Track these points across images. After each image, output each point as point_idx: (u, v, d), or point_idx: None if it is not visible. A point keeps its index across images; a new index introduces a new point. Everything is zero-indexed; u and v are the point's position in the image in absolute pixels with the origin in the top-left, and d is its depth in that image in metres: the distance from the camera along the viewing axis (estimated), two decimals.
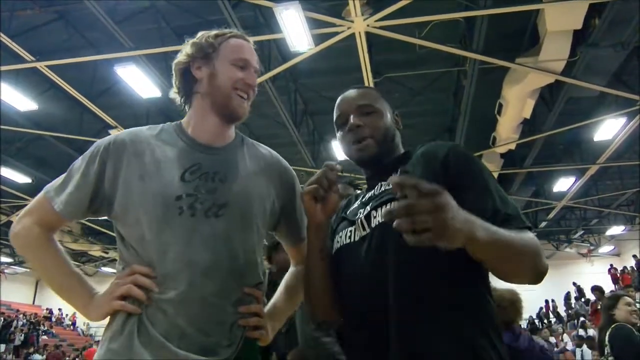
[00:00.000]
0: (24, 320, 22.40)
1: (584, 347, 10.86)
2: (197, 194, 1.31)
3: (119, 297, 1.26)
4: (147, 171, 1.33)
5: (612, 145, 10.56)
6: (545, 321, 20.29)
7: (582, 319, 14.97)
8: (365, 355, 1.21)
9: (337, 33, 7.02)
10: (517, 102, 8.56)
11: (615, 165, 12.53)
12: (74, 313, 24.46)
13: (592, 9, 6.57)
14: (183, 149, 1.39)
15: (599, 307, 10.43)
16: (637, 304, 3.94)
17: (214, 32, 1.47)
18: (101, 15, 7.02)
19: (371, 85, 7.73)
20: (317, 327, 2.35)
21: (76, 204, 1.36)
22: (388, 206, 1.21)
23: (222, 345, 1.25)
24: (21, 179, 12.31)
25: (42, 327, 23.51)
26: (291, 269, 1.62)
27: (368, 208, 1.30)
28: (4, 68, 7.89)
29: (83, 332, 26.47)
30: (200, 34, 1.48)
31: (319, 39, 7.07)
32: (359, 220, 1.30)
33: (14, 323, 20.79)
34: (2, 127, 9.83)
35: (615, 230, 19.21)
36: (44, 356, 19.04)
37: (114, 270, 1.55)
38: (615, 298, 3.95)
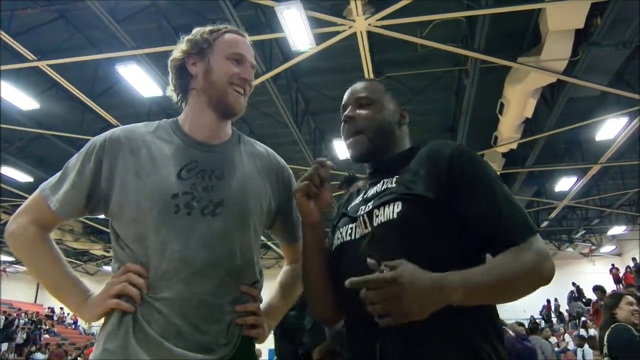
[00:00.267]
0: (26, 319, 22.45)
1: (586, 346, 10.85)
2: (193, 192, 1.30)
3: (113, 295, 1.25)
4: (143, 168, 1.31)
5: (613, 145, 10.55)
6: (547, 321, 20.26)
7: (583, 318, 14.96)
8: (364, 355, 1.21)
9: (338, 32, 7.02)
10: (518, 101, 8.55)
11: (617, 165, 12.51)
12: None
13: (594, 8, 6.56)
14: (179, 146, 1.38)
15: (599, 307, 10.41)
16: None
17: (208, 28, 1.46)
18: (102, 14, 7.01)
19: None
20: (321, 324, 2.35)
21: (72, 203, 1.34)
22: (390, 206, 1.21)
23: (220, 343, 1.24)
24: (22, 177, 12.33)
25: (43, 326, 23.56)
26: (285, 267, 1.62)
27: (370, 205, 1.28)
28: (5, 67, 7.90)
29: (85, 331, 26.49)
30: (195, 30, 1.46)
31: (320, 38, 7.07)
32: (361, 217, 1.29)
33: (16, 322, 20.83)
34: (4, 126, 9.86)
35: (617, 230, 19.18)
36: (47, 355, 19.07)
37: None
38: (617, 297, 3.92)
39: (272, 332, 2.68)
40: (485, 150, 10.61)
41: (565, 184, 13.27)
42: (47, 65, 7.89)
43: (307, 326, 2.67)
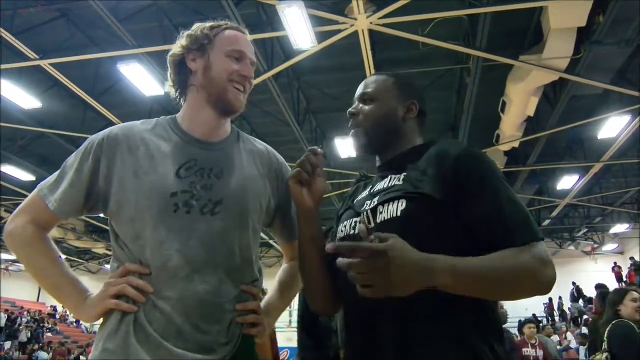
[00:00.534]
0: (28, 317, 22.51)
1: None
2: (192, 191, 1.29)
3: (112, 296, 1.24)
4: (141, 167, 1.30)
5: (615, 143, 10.53)
6: (549, 319, 20.25)
7: (585, 316, 14.94)
8: (359, 352, 1.21)
9: (340, 30, 7.02)
10: (520, 99, 8.53)
11: (619, 163, 12.50)
12: None
13: (596, 6, 6.54)
14: (178, 143, 1.37)
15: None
16: None
17: (209, 23, 1.44)
18: (104, 13, 7.02)
19: None
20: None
21: (70, 202, 1.33)
22: (394, 204, 1.21)
23: (220, 343, 1.24)
24: (24, 176, 12.37)
25: (46, 324, 23.61)
26: (284, 265, 1.61)
27: (375, 201, 1.28)
28: (7, 66, 7.92)
29: (87, 329, 26.53)
30: (195, 25, 1.45)
31: (321, 36, 7.06)
32: (364, 213, 1.29)
33: (18, 320, 20.89)
34: (6, 124, 9.88)
35: (619, 228, 19.15)
36: (50, 354, 19.11)
37: None
38: (621, 293, 3.86)
39: (297, 331, 2.67)
40: (487, 149, 10.59)
41: (567, 182, 13.26)
42: (49, 64, 7.90)
43: (335, 327, 2.65)
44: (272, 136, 10.73)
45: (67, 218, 1.40)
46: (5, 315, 20.20)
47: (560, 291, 19.75)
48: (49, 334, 22.68)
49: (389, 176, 1.33)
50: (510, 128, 9.64)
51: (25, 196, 1.42)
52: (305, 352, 2.74)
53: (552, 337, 11.08)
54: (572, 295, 19.51)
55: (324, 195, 1.37)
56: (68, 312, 26.45)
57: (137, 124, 1.42)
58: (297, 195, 1.32)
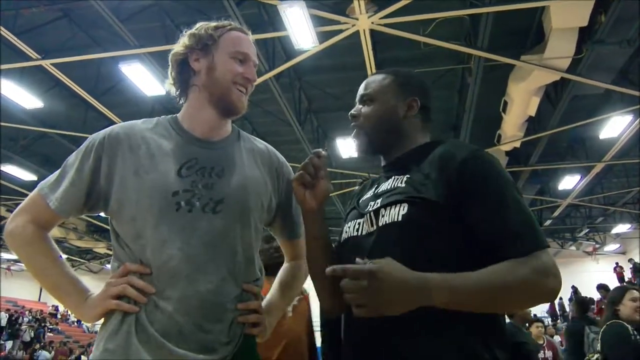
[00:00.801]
0: (30, 317, 22.53)
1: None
2: (194, 190, 1.28)
3: (113, 296, 1.23)
4: (142, 166, 1.30)
5: (617, 143, 10.51)
6: (552, 319, 20.21)
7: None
8: (359, 352, 1.21)
9: (341, 30, 7.01)
10: (522, 99, 8.52)
11: (621, 163, 12.47)
12: None
13: (598, 6, 6.53)
14: (179, 142, 1.36)
15: (603, 305, 10.37)
16: None
17: (213, 23, 1.44)
18: (106, 13, 7.03)
19: None
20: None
21: (71, 201, 1.33)
22: (396, 207, 1.20)
23: (222, 342, 1.24)
24: (26, 176, 12.38)
25: (47, 324, 23.63)
26: (285, 265, 1.62)
27: (379, 203, 1.28)
28: (9, 66, 7.93)
29: (88, 329, 26.55)
30: (198, 25, 1.44)
31: (323, 36, 7.06)
32: (368, 215, 1.29)
33: (20, 319, 20.91)
34: (8, 124, 9.89)
35: (621, 228, 19.11)
36: (52, 354, 19.13)
37: None
38: (621, 290, 3.70)
39: (320, 332, 2.65)
40: (489, 149, 10.57)
41: (569, 182, 13.24)
42: (51, 64, 7.91)
43: None
44: (274, 136, 10.74)
45: (68, 217, 1.40)
46: (7, 315, 20.21)
47: (563, 292, 19.68)
48: (50, 334, 22.70)
49: (393, 177, 1.32)
50: (512, 128, 9.62)
51: (27, 196, 1.41)
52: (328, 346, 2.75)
53: (554, 338, 11.05)
54: (570, 300, 19.47)
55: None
56: (69, 312, 26.52)
57: (138, 123, 1.42)
58: (301, 197, 1.32)
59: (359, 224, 1.32)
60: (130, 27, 7.44)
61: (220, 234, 1.28)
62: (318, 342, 2.60)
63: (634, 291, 3.60)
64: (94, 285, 1.28)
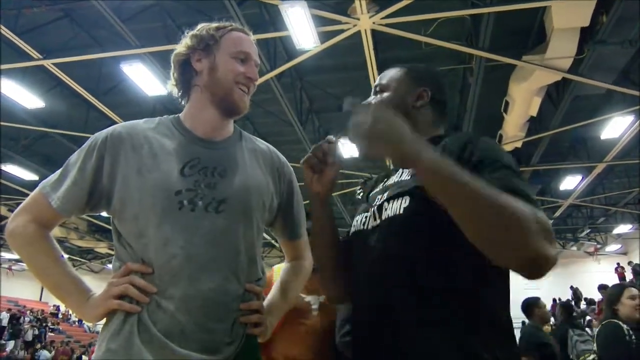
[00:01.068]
0: (31, 317, 22.56)
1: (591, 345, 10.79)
2: (197, 189, 1.29)
3: (115, 296, 1.23)
4: (145, 165, 1.30)
5: (619, 144, 10.49)
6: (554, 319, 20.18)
7: (588, 317, 14.89)
8: (362, 345, 1.22)
9: (342, 30, 7.01)
10: (523, 99, 8.51)
11: (622, 164, 12.45)
12: None
13: (600, 6, 6.51)
14: (181, 142, 1.37)
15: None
16: None
17: (214, 24, 1.44)
18: (107, 13, 7.03)
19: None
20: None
21: (74, 200, 1.33)
22: (398, 200, 1.20)
23: (224, 342, 1.24)
24: (27, 175, 12.40)
25: (48, 324, 23.66)
26: (286, 265, 1.62)
27: (385, 196, 1.28)
28: (11, 66, 7.95)
29: (89, 329, 26.60)
30: (200, 25, 1.45)
31: (324, 36, 7.06)
32: (373, 209, 1.30)
33: (21, 319, 20.93)
34: (9, 124, 9.91)
35: (622, 228, 19.08)
36: (52, 353, 19.15)
37: None
38: (619, 288, 3.55)
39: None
40: None
41: (570, 182, 13.22)
42: (52, 63, 7.91)
43: None
44: (275, 136, 10.74)
45: (70, 216, 1.39)
46: (8, 314, 20.24)
47: (564, 292, 19.70)
48: (51, 334, 22.72)
49: (400, 170, 1.34)
50: (513, 128, 9.61)
51: (28, 196, 1.41)
52: None
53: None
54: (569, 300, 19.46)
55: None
56: (71, 312, 26.53)
57: (140, 122, 1.42)
58: (307, 180, 1.33)
59: (365, 217, 1.32)
60: (131, 27, 7.44)
61: (223, 233, 1.28)
62: None
63: (632, 289, 3.47)
64: (95, 285, 1.28)
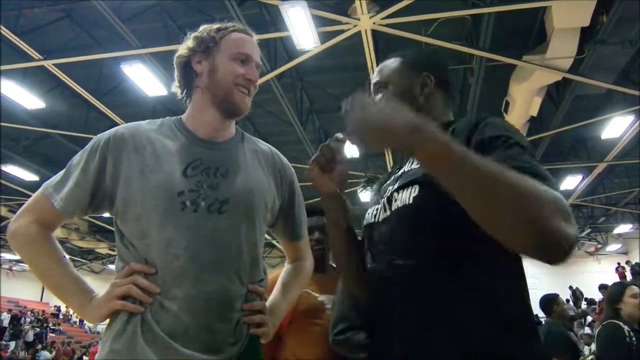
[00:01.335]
0: (32, 317, 22.57)
1: (593, 345, 10.80)
2: (199, 190, 1.29)
3: (118, 297, 1.23)
4: (147, 166, 1.30)
5: (619, 143, 10.50)
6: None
7: (589, 318, 14.89)
8: (373, 339, 1.23)
9: (343, 31, 7.01)
10: (523, 99, 8.51)
11: (623, 163, 12.45)
12: None
13: (600, 6, 6.52)
14: (184, 143, 1.37)
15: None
16: None
17: (216, 25, 1.44)
18: (107, 13, 7.04)
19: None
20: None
21: (76, 201, 1.33)
22: (407, 190, 1.18)
23: (228, 343, 1.24)
24: (28, 176, 12.40)
25: (49, 325, 23.67)
26: (287, 266, 1.62)
27: (395, 186, 1.25)
28: (11, 66, 7.95)
29: (90, 330, 26.60)
30: (202, 27, 1.45)
31: (325, 36, 7.06)
32: (384, 200, 1.28)
33: (22, 320, 20.94)
34: (10, 125, 9.91)
35: (623, 228, 19.09)
36: (53, 354, 19.16)
37: None
38: (620, 287, 3.48)
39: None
40: None
41: (571, 182, 13.23)
42: (53, 64, 7.92)
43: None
44: (275, 136, 10.74)
45: (72, 217, 1.39)
46: (9, 315, 20.25)
47: (564, 291, 19.70)
48: (52, 334, 22.74)
49: (410, 159, 1.32)
50: None
51: (29, 196, 1.41)
52: None
53: None
54: (567, 301, 19.46)
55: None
56: (72, 312, 26.54)
57: (142, 124, 1.42)
58: (316, 180, 1.33)
59: (377, 209, 1.31)
60: (132, 28, 7.44)
61: (226, 234, 1.28)
62: None
63: (634, 287, 3.41)
64: (96, 285, 1.28)
